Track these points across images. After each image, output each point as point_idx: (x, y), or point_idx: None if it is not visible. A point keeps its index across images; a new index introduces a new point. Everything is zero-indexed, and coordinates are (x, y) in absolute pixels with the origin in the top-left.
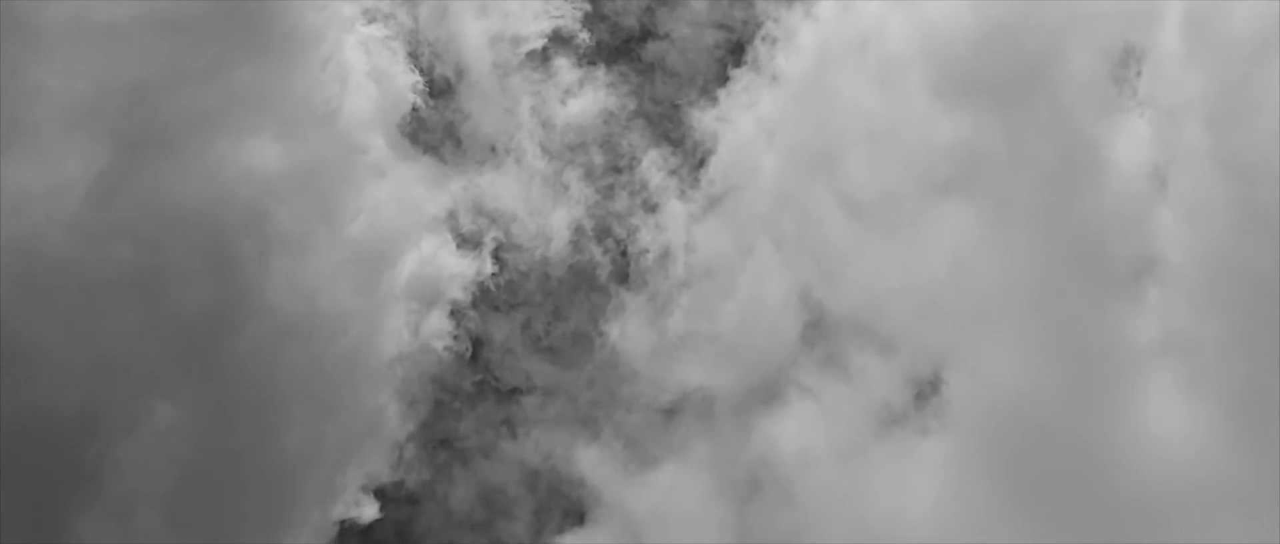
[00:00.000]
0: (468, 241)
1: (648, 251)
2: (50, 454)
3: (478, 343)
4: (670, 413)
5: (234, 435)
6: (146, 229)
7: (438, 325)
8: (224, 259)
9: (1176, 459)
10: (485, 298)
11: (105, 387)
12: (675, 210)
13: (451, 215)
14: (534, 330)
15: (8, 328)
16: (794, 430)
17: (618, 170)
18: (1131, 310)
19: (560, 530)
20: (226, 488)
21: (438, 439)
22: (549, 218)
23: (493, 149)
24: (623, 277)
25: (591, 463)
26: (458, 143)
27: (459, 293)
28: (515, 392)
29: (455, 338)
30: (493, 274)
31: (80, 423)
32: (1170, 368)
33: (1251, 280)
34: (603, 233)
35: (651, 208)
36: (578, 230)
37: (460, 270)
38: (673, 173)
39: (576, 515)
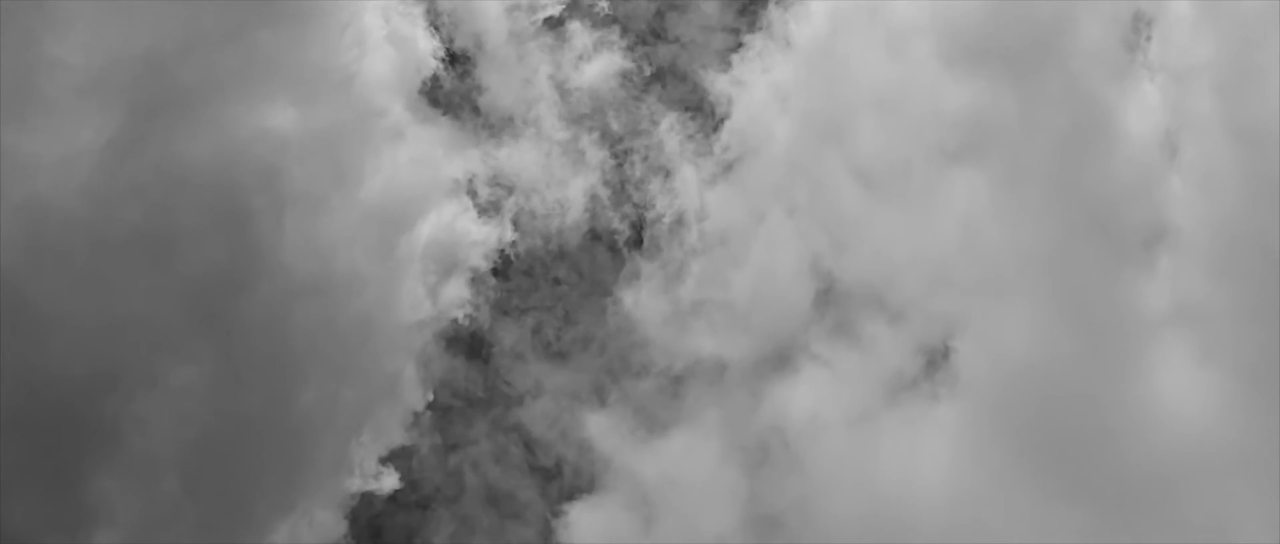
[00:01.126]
0: (487, 210)
1: (663, 218)
2: (68, 413)
3: (496, 308)
4: (682, 380)
5: (251, 396)
6: (164, 192)
7: (457, 293)
8: (241, 220)
9: (1187, 427)
10: (505, 265)
11: (123, 347)
12: (689, 176)
13: (470, 182)
14: (549, 297)
15: (27, 290)
16: (805, 398)
17: (635, 134)
18: (1142, 278)
19: (570, 497)
20: (243, 449)
21: (452, 405)
22: (567, 187)
23: (510, 119)
24: (637, 242)
25: (602, 430)
26: (476, 112)
27: (479, 260)
28: (530, 356)
29: (475, 305)
30: (512, 242)
31: (99, 383)
32: (1181, 336)
33: (1263, 248)
34: (619, 199)
35: (666, 173)
36: (594, 198)
37: (481, 237)
38: (690, 137)
39: (587, 482)
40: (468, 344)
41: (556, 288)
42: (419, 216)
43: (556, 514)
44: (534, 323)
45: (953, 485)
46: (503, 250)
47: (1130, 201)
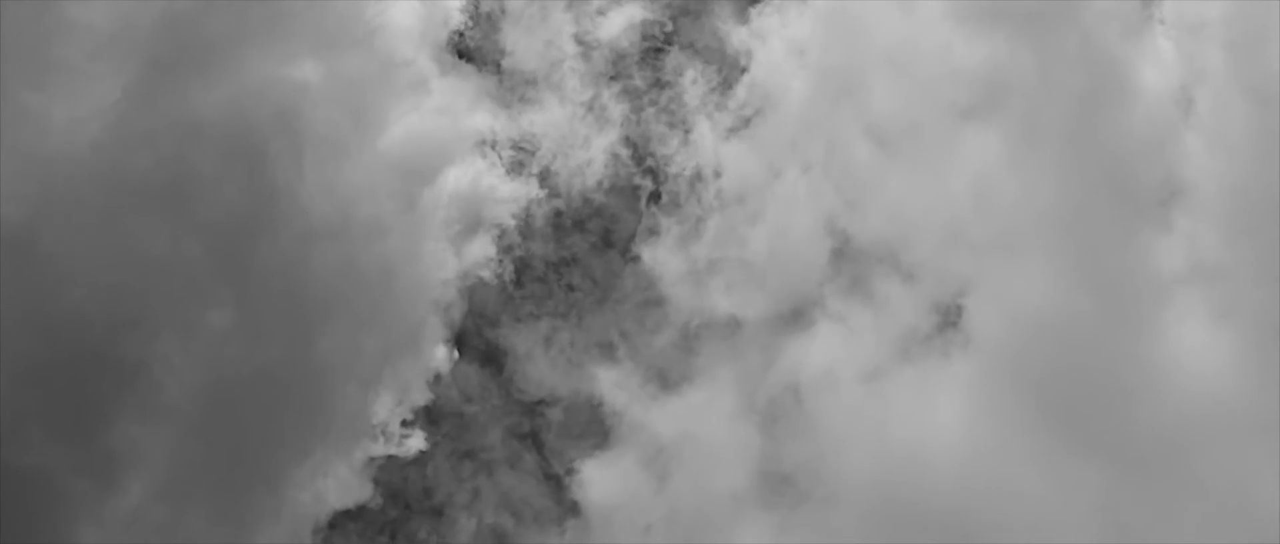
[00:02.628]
0: (514, 168)
1: (682, 173)
2: (95, 359)
3: (520, 265)
4: (697, 337)
5: (276, 345)
6: (188, 143)
7: (482, 250)
8: (265, 168)
9: (1201, 385)
10: (528, 224)
11: (148, 295)
12: (707, 130)
13: (495, 141)
14: (570, 255)
15: (53, 241)
16: (819, 355)
17: (657, 87)
18: (1157, 236)
19: (584, 453)
20: (265, 398)
21: (474, 360)
22: (590, 146)
23: (534, 80)
24: (657, 197)
25: (617, 386)
26: (499, 71)
27: (506, 218)
28: (547, 317)
29: (500, 262)
30: (538, 200)
31: (126, 329)
32: (1196, 294)
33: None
34: (640, 155)
35: (685, 128)
36: (615, 157)
37: (507, 194)
38: (711, 90)
39: (600, 438)
40: (490, 304)
41: (576, 246)
42: (443, 169)
43: (570, 472)
44: (554, 281)
45: (967, 443)
46: (528, 208)
47: (1145, 159)
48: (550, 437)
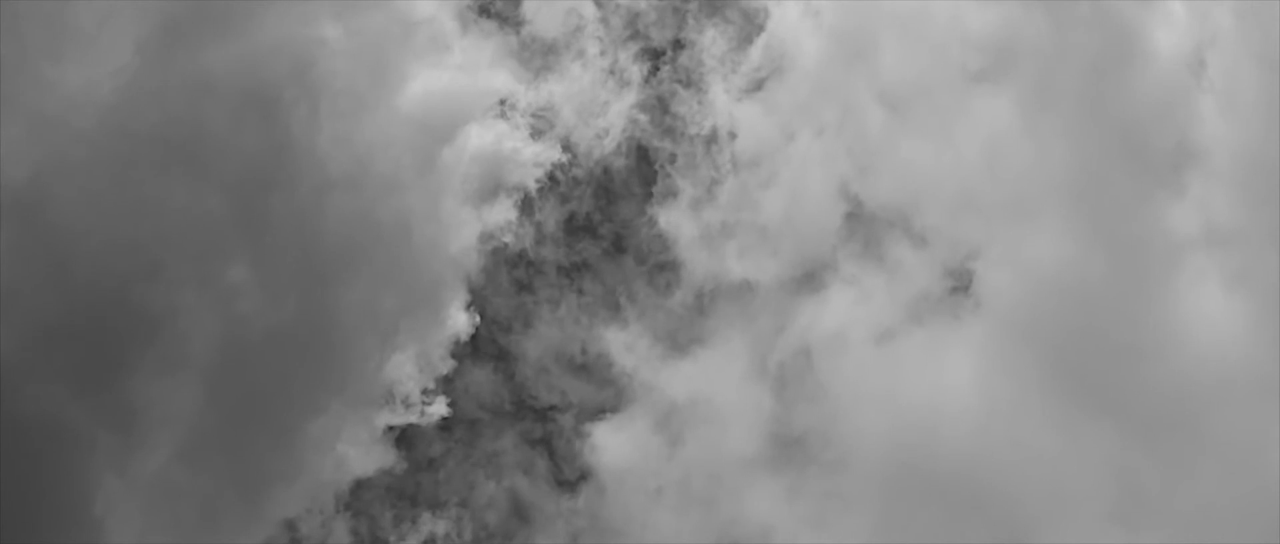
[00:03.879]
0: (535, 132)
1: (698, 133)
2: (111, 311)
3: (538, 228)
4: (711, 300)
5: (296, 301)
6: (203, 97)
7: (503, 214)
8: (281, 123)
9: (1213, 349)
10: (552, 186)
11: (165, 247)
12: (722, 91)
13: (515, 103)
14: (587, 217)
15: (70, 195)
16: (831, 319)
17: (676, 46)
18: (1170, 200)
19: (596, 417)
20: (282, 353)
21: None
22: (608, 110)
23: (554, 48)
24: (672, 158)
25: (630, 350)
26: (519, 34)
27: (527, 181)
28: (564, 276)
29: (520, 224)
30: (560, 165)
31: (148, 286)
32: (1208, 258)
33: None
34: (658, 117)
35: (700, 87)
36: (633, 121)
37: (530, 157)
38: (730, 49)
39: (613, 401)
40: (511, 265)
41: (594, 211)
42: (464, 125)
43: (582, 435)
44: (572, 243)
45: (979, 407)
46: (551, 172)
47: (1157, 123)
48: (561, 396)
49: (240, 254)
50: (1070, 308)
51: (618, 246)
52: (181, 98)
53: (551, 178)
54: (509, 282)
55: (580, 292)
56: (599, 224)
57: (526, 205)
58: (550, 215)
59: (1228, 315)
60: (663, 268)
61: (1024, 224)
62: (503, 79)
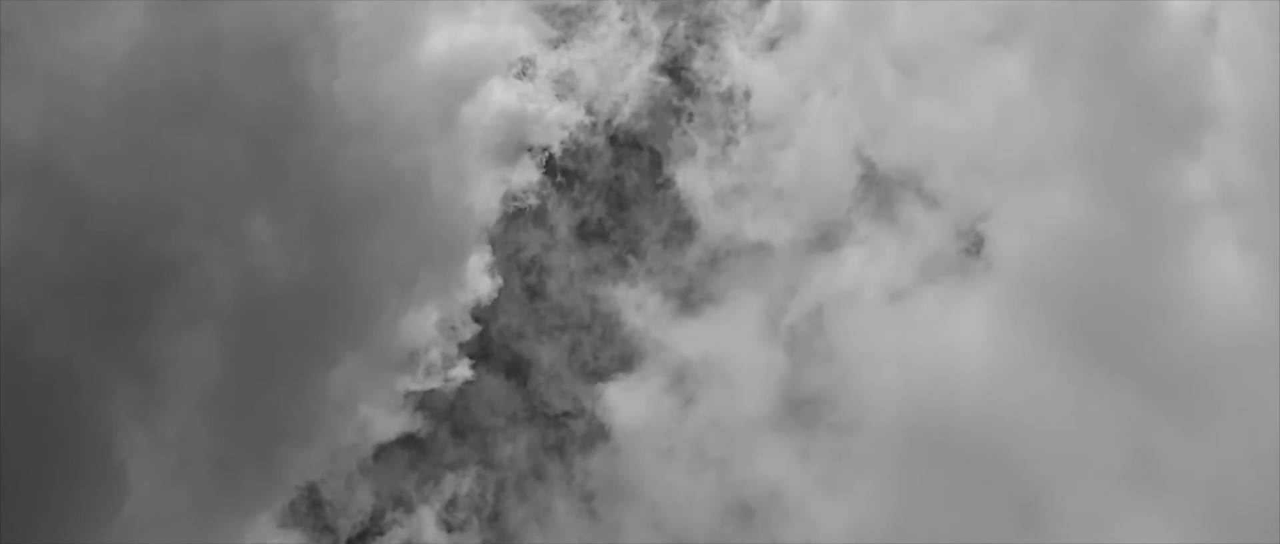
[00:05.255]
0: (559, 93)
1: (715, 90)
2: (130, 258)
3: (559, 188)
4: (726, 260)
5: (315, 248)
6: (219, 49)
7: (525, 175)
8: (298, 74)
9: (1227, 310)
10: (574, 150)
11: (185, 196)
12: (739, 50)
13: (537, 65)
14: (609, 180)
15: (88, 152)
16: (845, 280)
17: (695, 1)
18: (1185, 162)
19: (608, 376)
20: (301, 299)
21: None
22: (628, 74)
23: (575, 11)
24: (690, 117)
25: (644, 310)
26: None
27: (550, 141)
28: (583, 236)
29: (541, 185)
30: (583, 126)
31: (169, 238)
32: (1223, 219)
33: None
34: (676, 71)
35: (715, 44)
36: (653, 83)
37: (554, 118)
38: (749, 6)
39: (625, 360)
40: (531, 223)
41: (615, 171)
42: (485, 79)
43: (594, 397)
44: (591, 203)
45: (992, 369)
46: (574, 135)
47: (1170, 84)
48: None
49: (258, 206)
50: (1083, 270)
51: (634, 206)
52: (196, 50)
53: (575, 140)
54: (529, 241)
55: (595, 251)
56: (617, 184)
57: (550, 166)
58: (572, 176)
59: (1242, 277)
60: (678, 227)
61: (1037, 186)
62: (524, 37)
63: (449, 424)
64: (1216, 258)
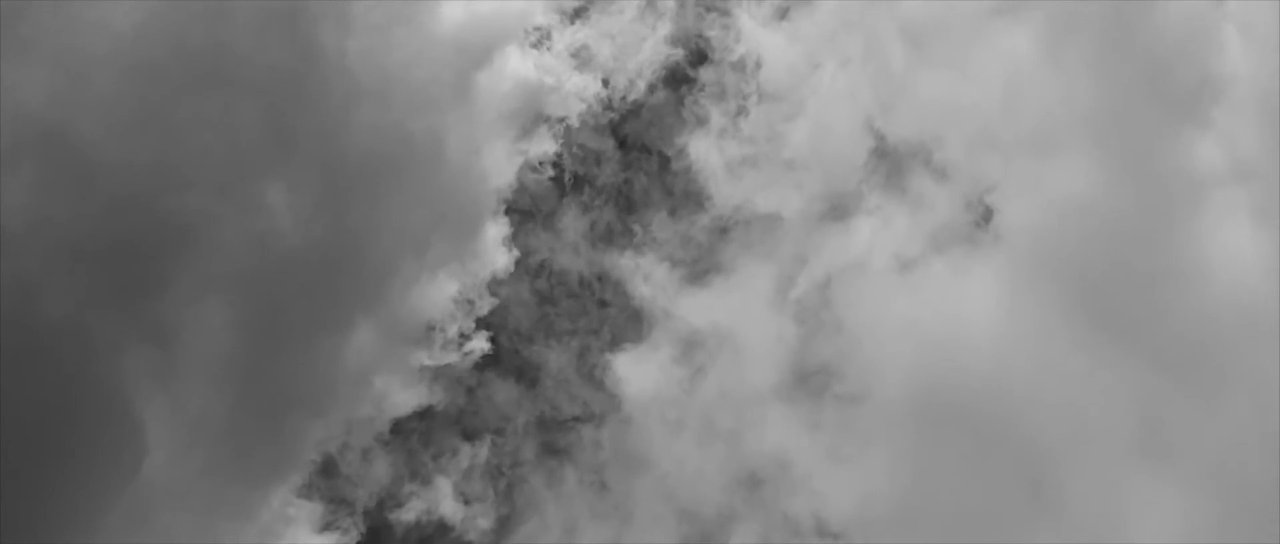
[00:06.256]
0: (578, 65)
1: (727, 58)
2: (143, 223)
3: (577, 161)
4: (736, 230)
5: (330, 211)
6: (232, 12)
7: (541, 145)
8: (311, 37)
9: (1237, 284)
10: (589, 121)
11: (202, 156)
12: (748, 18)
13: (552, 36)
14: (625, 151)
15: (101, 112)
16: (855, 252)
17: None
18: (1194, 134)
19: (617, 346)
20: (315, 262)
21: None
22: (643, 46)
23: None
24: (702, 86)
25: (653, 280)
26: None
27: (567, 113)
28: (593, 204)
29: (558, 155)
30: (600, 97)
31: (185, 200)
32: (1233, 193)
33: None
34: (689, 39)
35: (729, 14)
36: (668, 54)
37: (572, 88)
38: None
39: (635, 331)
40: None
41: (629, 141)
42: (502, 46)
43: (603, 367)
44: (607, 172)
45: (1001, 342)
46: (590, 107)
47: (1180, 56)
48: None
49: (270, 170)
50: (1092, 242)
51: (647, 175)
52: (207, 11)
53: (591, 112)
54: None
55: (605, 219)
56: (632, 154)
57: (568, 137)
58: (589, 146)
59: (1251, 249)
60: (689, 197)
61: (1046, 158)
62: (540, 5)
63: (465, 396)
64: (1225, 230)
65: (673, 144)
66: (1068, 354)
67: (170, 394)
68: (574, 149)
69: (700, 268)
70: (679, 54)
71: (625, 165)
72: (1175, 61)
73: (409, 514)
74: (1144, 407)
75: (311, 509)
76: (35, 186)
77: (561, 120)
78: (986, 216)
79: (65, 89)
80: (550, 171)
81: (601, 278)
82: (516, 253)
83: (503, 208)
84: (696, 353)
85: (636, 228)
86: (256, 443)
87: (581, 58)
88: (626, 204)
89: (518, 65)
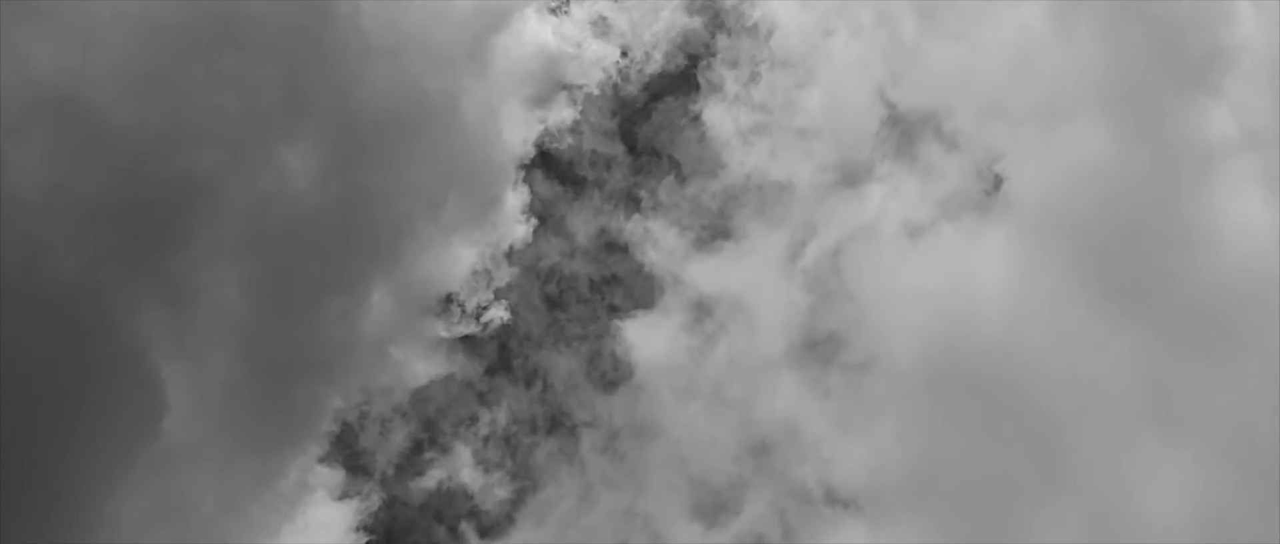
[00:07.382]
0: (596, 33)
1: (741, 25)
2: (161, 177)
3: (594, 130)
4: (749, 198)
5: (347, 171)
6: None
7: (560, 113)
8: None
9: (1249, 254)
10: (609, 90)
11: (216, 116)
12: None
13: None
14: (638, 116)
15: (116, 75)
16: (865, 221)
17: None
18: (1206, 104)
19: (626, 312)
20: (331, 221)
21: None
22: (659, 14)
23: None
24: (716, 51)
25: (665, 247)
26: None
27: (585, 80)
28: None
29: (576, 123)
30: (620, 67)
31: (200, 164)
32: (1246, 161)
33: None
34: (706, 7)
35: None
36: (684, 23)
37: (591, 56)
38: None
39: (645, 297)
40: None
41: (646, 108)
42: (517, 11)
43: (612, 333)
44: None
45: (1014, 310)
46: (610, 76)
47: (1192, 24)
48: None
49: (285, 129)
50: (1102, 210)
51: (661, 142)
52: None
53: (610, 81)
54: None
55: (616, 186)
56: (647, 122)
57: (587, 105)
58: (606, 115)
59: (1262, 217)
60: (703, 164)
61: (1055, 127)
62: None
63: (484, 364)
64: (1236, 198)
65: (687, 111)
66: (1077, 321)
67: (189, 354)
68: (592, 118)
69: (710, 234)
70: (696, 23)
71: (638, 131)
72: (1186, 30)
73: (429, 482)
74: (1154, 373)
75: (332, 475)
76: (52, 151)
77: (581, 88)
78: (996, 185)
79: (79, 52)
80: (573, 136)
81: (615, 241)
82: (534, 222)
83: (521, 176)
84: (706, 320)
85: (643, 194)
86: (275, 407)
87: (600, 27)
88: (634, 170)
89: (535, 29)
